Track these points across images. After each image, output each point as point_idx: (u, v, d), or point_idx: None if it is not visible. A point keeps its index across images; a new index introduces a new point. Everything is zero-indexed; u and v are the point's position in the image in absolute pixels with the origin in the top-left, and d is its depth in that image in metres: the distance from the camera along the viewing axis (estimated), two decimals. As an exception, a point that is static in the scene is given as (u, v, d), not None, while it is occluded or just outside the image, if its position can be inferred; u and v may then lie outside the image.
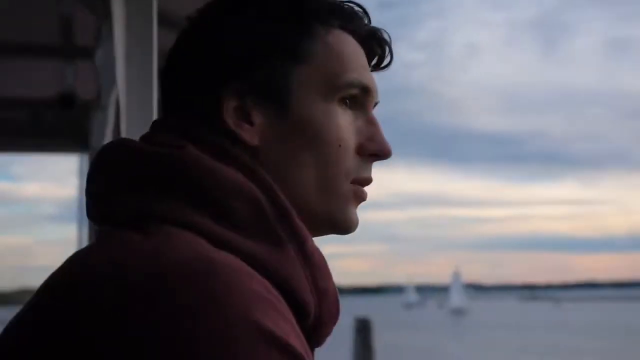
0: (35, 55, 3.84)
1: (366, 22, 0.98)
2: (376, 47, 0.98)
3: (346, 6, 0.96)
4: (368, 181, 0.93)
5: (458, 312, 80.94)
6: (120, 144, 0.88)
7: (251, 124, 0.89)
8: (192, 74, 0.91)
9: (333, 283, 0.86)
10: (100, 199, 0.86)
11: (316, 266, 0.84)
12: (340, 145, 0.90)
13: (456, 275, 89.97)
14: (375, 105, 0.97)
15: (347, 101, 0.92)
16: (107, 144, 0.90)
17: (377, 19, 0.99)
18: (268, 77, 0.89)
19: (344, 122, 0.91)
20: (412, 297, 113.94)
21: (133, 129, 2.21)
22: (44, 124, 4.53)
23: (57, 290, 0.77)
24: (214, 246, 0.77)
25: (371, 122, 0.94)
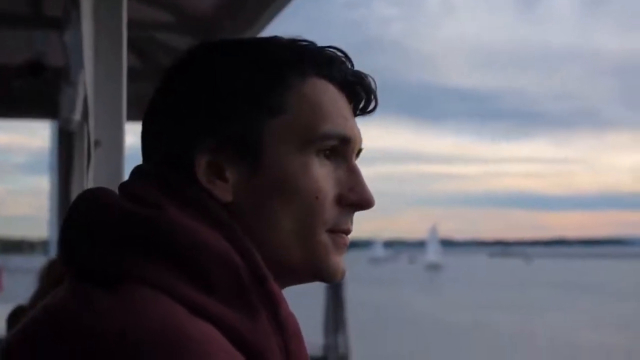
0: (4, 24, 3.80)
1: (348, 66, 0.94)
2: (359, 91, 0.94)
3: (324, 52, 0.93)
4: (346, 232, 0.92)
5: (433, 268, 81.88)
6: (98, 197, 0.87)
7: (225, 180, 0.88)
8: (167, 125, 0.90)
9: (304, 347, 0.86)
10: (74, 250, 0.85)
11: (289, 333, 0.84)
12: (317, 197, 0.88)
13: (433, 230, 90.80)
14: (359, 153, 0.94)
15: (327, 152, 0.90)
16: (85, 194, 0.89)
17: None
18: (241, 132, 0.88)
19: (322, 173, 0.89)
20: (380, 251, 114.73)
21: (101, 109, 2.21)
22: (14, 91, 4.49)
23: (23, 352, 0.77)
24: (188, 311, 0.77)
25: (352, 172, 0.92)
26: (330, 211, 0.89)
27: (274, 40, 0.92)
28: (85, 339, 0.74)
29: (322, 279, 0.91)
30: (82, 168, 4.62)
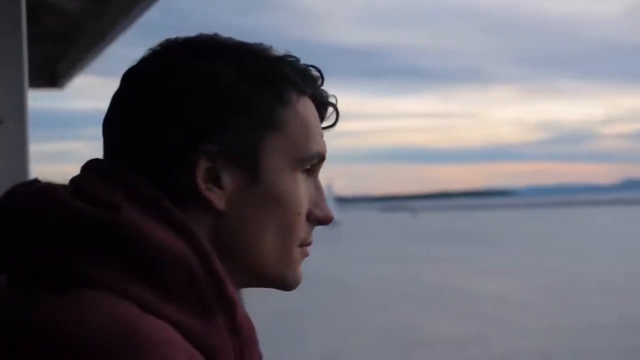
0: None
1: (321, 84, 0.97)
2: (326, 110, 0.98)
3: (311, 71, 0.95)
4: (309, 245, 0.96)
5: (332, 224, 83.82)
6: (43, 193, 0.83)
7: (220, 187, 0.88)
8: (155, 126, 0.86)
9: (258, 349, 0.89)
10: (13, 248, 0.81)
11: (243, 336, 0.85)
12: (299, 214, 0.92)
13: (329, 188, 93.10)
14: None
15: (307, 168, 0.93)
16: (25, 187, 0.84)
17: None
18: (241, 142, 0.88)
19: (304, 190, 0.93)
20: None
21: (1, 80, 2.12)
22: None
23: None
24: (142, 311, 0.76)
25: (319, 189, 0.96)
26: (304, 227, 0.93)
27: (267, 52, 0.92)
28: (33, 344, 0.72)
29: (285, 288, 0.95)
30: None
